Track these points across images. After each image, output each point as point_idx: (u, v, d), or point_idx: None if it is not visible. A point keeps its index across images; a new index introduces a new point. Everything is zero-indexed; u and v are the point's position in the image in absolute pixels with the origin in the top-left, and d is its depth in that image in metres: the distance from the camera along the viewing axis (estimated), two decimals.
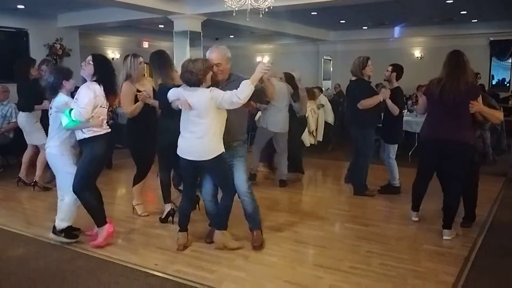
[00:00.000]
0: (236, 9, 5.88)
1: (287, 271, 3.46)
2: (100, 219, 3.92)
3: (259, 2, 5.84)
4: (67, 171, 3.87)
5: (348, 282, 3.26)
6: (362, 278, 3.32)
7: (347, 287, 3.18)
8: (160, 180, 4.57)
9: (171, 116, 3.92)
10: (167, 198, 4.57)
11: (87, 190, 3.84)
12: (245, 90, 3.42)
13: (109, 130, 3.89)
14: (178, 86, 3.76)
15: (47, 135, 4.11)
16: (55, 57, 11.03)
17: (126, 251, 3.85)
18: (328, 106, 8.91)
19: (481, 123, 4.28)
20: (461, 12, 11.09)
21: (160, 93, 4.13)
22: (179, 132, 3.70)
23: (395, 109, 5.41)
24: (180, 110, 3.67)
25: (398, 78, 5.53)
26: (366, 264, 3.57)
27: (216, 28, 12.22)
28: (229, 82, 3.70)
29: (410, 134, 7.73)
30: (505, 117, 7.66)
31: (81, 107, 3.61)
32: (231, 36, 16.04)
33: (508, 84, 13.78)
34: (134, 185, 4.76)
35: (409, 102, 9.24)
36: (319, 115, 8.42)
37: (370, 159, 5.64)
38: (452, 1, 9.41)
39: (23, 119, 5.93)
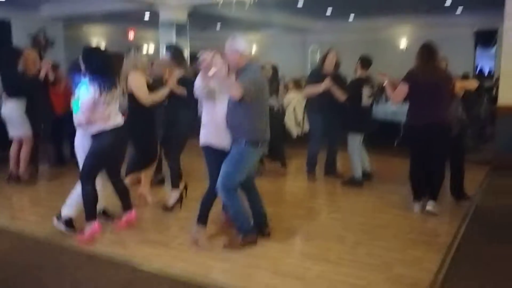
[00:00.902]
0: (222, 1, 5.84)
1: (274, 262, 3.48)
2: (91, 213, 3.91)
3: None
4: None
5: (336, 272, 3.30)
6: (349, 268, 3.36)
7: (335, 277, 3.22)
8: (170, 166, 4.70)
9: (189, 107, 4.45)
10: (176, 183, 4.65)
11: (89, 183, 3.87)
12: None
13: (119, 123, 3.87)
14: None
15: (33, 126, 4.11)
16: (38, 48, 10.85)
17: (114, 244, 3.84)
18: None
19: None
20: (446, 2, 11.14)
21: (188, 82, 4.24)
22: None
23: (340, 96, 5.53)
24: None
25: (364, 68, 5.61)
26: (352, 254, 3.62)
27: (203, 18, 12.12)
28: (240, 74, 3.59)
29: (396, 123, 7.79)
30: (489, 105, 7.85)
31: (81, 111, 3.67)
32: (217, 26, 15.93)
33: (492, 74, 13.94)
34: (129, 173, 4.71)
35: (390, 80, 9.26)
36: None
37: (318, 144, 5.90)
38: None
39: (10, 109, 5.72)
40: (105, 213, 4.32)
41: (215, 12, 10.26)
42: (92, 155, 3.84)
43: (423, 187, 4.64)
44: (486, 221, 4.42)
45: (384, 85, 4.93)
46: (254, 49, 17.10)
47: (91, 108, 3.66)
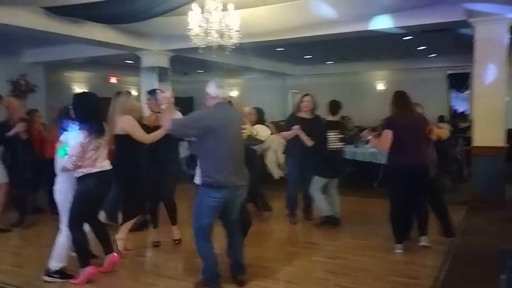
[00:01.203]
0: (203, 46, 5.97)
1: None
2: (84, 260, 3.86)
3: (225, 39, 5.96)
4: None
5: None
6: None
7: None
8: (172, 206, 4.89)
9: (177, 147, 4.75)
10: (176, 220, 4.93)
11: (78, 230, 3.83)
12: None
13: (105, 168, 3.87)
14: None
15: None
16: (18, 94, 10.83)
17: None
18: None
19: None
20: (419, 48, 11.63)
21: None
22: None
23: (306, 141, 5.58)
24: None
25: (332, 112, 5.67)
26: None
27: (184, 63, 12.34)
28: None
29: (376, 165, 7.90)
30: (465, 146, 8.05)
31: (70, 156, 3.66)
32: (199, 71, 16.20)
33: (467, 115, 14.36)
34: (124, 222, 4.69)
35: (374, 133, 9.45)
36: None
37: (293, 188, 5.92)
38: (410, 37, 9.86)
39: None
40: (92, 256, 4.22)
41: (197, 57, 10.45)
42: (78, 200, 3.79)
43: (404, 229, 4.73)
44: (466, 261, 4.43)
45: (368, 140, 5.02)
46: (235, 92, 17.39)
47: (79, 153, 3.66)
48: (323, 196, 5.66)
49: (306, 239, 5.37)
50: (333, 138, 5.54)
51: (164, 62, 10.10)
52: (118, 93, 4.64)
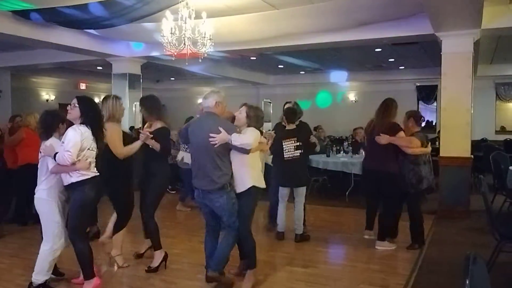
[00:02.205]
0: (175, 54, 5.93)
1: None
2: (89, 271, 3.73)
3: (197, 47, 5.93)
4: (52, 219, 3.69)
5: None
6: None
7: None
8: (152, 228, 4.44)
9: (165, 160, 4.56)
10: (159, 244, 4.45)
11: (82, 240, 3.71)
12: None
13: (97, 173, 3.72)
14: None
15: None
16: None
17: None
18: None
19: (413, 157, 4.99)
20: (389, 60, 11.92)
21: (164, 135, 4.37)
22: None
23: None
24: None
25: (288, 121, 5.53)
26: None
27: (157, 70, 12.24)
28: None
29: (347, 174, 7.98)
30: (432, 156, 8.22)
31: (66, 149, 3.46)
32: (172, 78, 16.10)
33: (435, 126, 14.74)
34: (115, 233, 4.47)
35: (345, 143, 9.60)
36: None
37: (273, 197, 5.82)
38: (380, 49, 10.09)
39: None
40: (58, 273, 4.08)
41: (169, 65, 10.39)
42: (78, 209, 3.62)
43: (372, 220, 5.43)
44: (433, 271, 4.51)
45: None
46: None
47: (77, 149, 3.48)
48: (282, 208, 5.57)
49: (278, 248, 5.35)
50: (289, 147, 5.39)
51: (135, 69, 9.98)
52: (105, 98, 4.43)
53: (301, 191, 5.53)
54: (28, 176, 4.70)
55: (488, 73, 12.52)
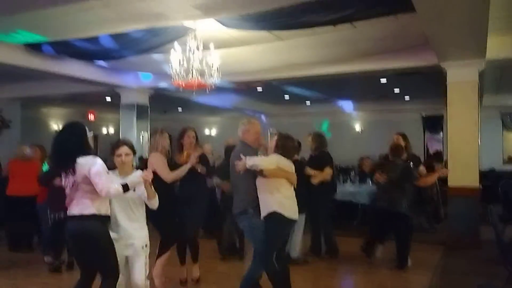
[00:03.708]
0: (184, 85, 6.02)
1: None
2: None
3: (205, 78, 6.02)
4: None
5: None
6: None
7: None
8: (191, 243, 4.81)
9: (205, 184, 4.87)
10: (197, 257, 4.91)
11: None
12: None
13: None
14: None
15: None
16: None
17: None
18: None
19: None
20: (395, 90, 11.99)
21: (206, 160, 4.85)
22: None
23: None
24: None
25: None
26: None
27: (164, 101, 12.37)
28: None
29: (355, 205, 7.92)
30: (441, 187, 8.17)
31: (102, 180, 3.18)
32: (179, 109, 16.25)
33: (442, 156, 14.68)
34: (159, 256, 4.53)
35: (352, 173, 9.57)
36: None
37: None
38: (385, 80, 10.17)
39: None
40: None
41: (177, 95, 10.52)
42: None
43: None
44: None
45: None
46: (214, 131, 17.46)
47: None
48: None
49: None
50: None
51: (143, 99, 10.11)
52: (154, 132, 4.72)
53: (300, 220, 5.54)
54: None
55: (494, 103, 12.54)
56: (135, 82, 9.57)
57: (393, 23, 5.72)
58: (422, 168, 5.61)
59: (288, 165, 3.94)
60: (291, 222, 3.88)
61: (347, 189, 8.06)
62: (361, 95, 13.16)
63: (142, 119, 10.11)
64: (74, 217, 3.19)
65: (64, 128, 3.50)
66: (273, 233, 3.79)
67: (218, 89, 7.12)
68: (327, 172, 5.65)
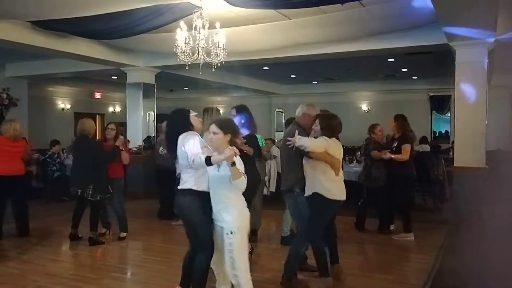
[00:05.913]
0: (189, 63, 5.99)
1: None
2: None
3: (211, 57, 5.99)
4: None
5: None
6: None
7: None
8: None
9: (254, 165, 4.58)
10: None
11: None
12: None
13: None
14: None
15: None
16: (1, 107, 10.70)
17: None
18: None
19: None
20: (402, 70, 11.89)
21: (254, 140, 4.73)
22: None
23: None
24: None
25: None
26: None
27: (170, 80, 12.36)
28: None
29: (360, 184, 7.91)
30: (446, 167, 8.16)
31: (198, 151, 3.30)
32: (185, 88, 16.24)
33: (449, 136, 14.62)
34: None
35: (358, 153, 9.55)
36: (271, 166, 8.53)
37: None
38: (393, 59, 10.08)
39: None
40: None
41: (183, 74, 10.49)
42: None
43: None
44: (448, 281, 4.45)
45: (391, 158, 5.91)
46: (221, 111, 17.40)
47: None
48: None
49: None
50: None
51: (149, 78, 10.10)
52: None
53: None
54: None
55: (503, 83, 12.39)
56: (141, 61, 9.56)
57: (402, 2, 5.64)
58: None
59: (337, 151, 3.93)
60: (335, 202, 3.92)
61: (352, 169, 8.06)
62: (368, 75, 13.08)
63: (149, 98, 10.13)
64: (178, 191, 3.47)
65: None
66: (316, 213, 3.92)
67: (225, 68, 7.10)
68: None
